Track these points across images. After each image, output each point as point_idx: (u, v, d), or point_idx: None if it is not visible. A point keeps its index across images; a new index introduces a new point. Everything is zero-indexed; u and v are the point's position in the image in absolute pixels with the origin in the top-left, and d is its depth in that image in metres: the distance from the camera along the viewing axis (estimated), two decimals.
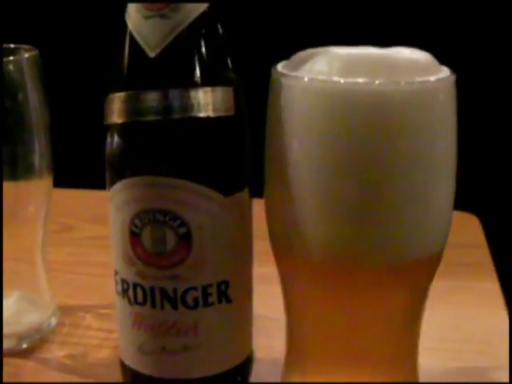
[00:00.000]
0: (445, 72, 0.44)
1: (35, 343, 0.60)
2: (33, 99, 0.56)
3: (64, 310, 0.64)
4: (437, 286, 0.48)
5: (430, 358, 0.55)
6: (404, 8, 0.91)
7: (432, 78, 0.42)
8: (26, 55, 0.55)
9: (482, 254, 0.75)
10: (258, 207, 0.48)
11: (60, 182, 0.61)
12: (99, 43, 0.71)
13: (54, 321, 0.62)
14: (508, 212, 0.97)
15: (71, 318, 0.64)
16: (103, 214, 0.51)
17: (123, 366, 0.52)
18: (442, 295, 0.64)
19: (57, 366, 0.58)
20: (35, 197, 0.60)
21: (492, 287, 0.68)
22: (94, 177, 0.57)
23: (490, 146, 0.98)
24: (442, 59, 0.44)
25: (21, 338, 0.59)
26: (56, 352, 0.59)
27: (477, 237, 0.80)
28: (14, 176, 0.57)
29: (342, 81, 0.41)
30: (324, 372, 0.49)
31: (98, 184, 0.53)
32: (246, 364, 0.52)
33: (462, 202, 0.79)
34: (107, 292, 0.54)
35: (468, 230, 0.81)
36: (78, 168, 0.88)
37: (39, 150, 0.57)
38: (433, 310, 0.50)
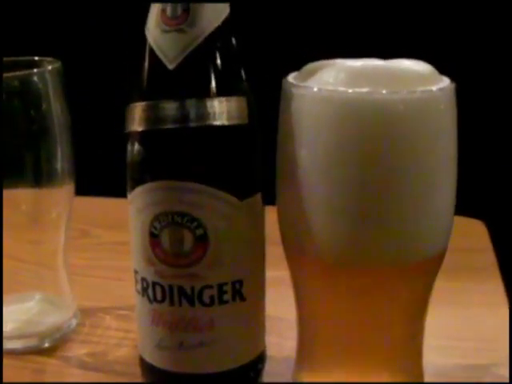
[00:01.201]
0: (445, 81, 0.46)
1: (57, 342, 0.62)
2: (56, 109, 0.58)
3: (84, 312, 0.66)
4: (443, 288, 0.50)
5: (436, 355, 0.58)
6: (405, 22, 0.94)
7: (433, 88, 0.44)
8: (50, 67, 0.58)
9: (488, 259, 0.77)
10: (272, 214, 0.50)
11: (78, 189, 0.63)
12: (120, 55, 0.73)
13: (74, 321, 0.64)
14: None
15: (91, 319, 0.66)
16: (120, 220, 0.54)
17: (142, 361, 0.54)
18: (448, 296, 0.66)
19: (78, 363, 0.60)
20: (58, 203, 0.62)
21: (496, 289, 0.70)
22: (111, 184, 0.59)
23: (498, 153, 0.99)
24: (443, 69, 0.46)
25: (43, 337, 0.62)
26: (77, 350, 0.61)
27: (483, 242, 0.81)
28: (38, 183, 0.59)
29: (347, 90, 0.43)
30: (333, 370, 0.51)
31: (116, 191, 0.56)
32: (259, 360, 0.54)
33: (469, 208, 0.81)
34: (125, 294, 0.56)
35: (475, 235, 0.83)
36: (97, 175, 0.90)
37: (62, 158, 0.59)
38: (439, 310, 0.51)
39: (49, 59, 0.59)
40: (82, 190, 0.63)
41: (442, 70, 0.46)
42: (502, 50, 0.94)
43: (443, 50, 0.88)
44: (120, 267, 0.58)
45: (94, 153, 0.89)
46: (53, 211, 0.62)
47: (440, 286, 0.50)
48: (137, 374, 0.55)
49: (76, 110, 0.60)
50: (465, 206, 0.78)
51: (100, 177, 0.90)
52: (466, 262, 0.75)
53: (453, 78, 0.46)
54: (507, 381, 0.56)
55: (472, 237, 0.82)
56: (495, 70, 0.95)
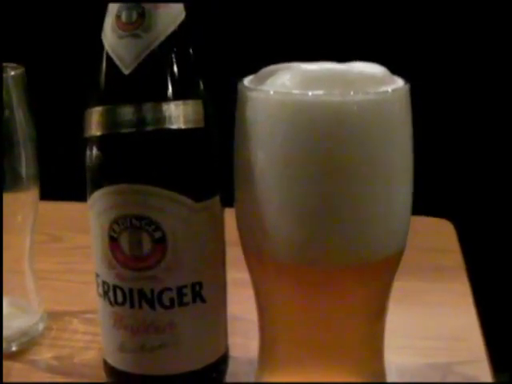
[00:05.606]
0: (399, 83, 0.46)
1: (24, 346, 0.62)
2: (19, 114, 0.58)
3: (52, 316, 0.66)
4: (408, 288, 0.51)
5: (399, 355, 0.58)
6: (359, 24, 0.95)
7: (386, 89, 0.45)
8: (12, 73, 0.58)
9: (455, 258, 0.77)
10: (234, 215, 0.50)
11: (47, 194, 0.63)
12: (79, 61, 0.74)
13: (41, 325, 0.64)
14: (481, 218, 0.99)
15: (58, 323, 0.66)
16: (88, 224, 0.54)
17: (106, 364, 0.54)
18: (413, 296, 0.67)
19: (45, 366, 0.60)
20: (23, 207, 0.62)
21: (461, 289, 0.70)
22: (79, 189, 0.59)
23: (466, 155, 1.00)
24: (396, 70, 0.47)
25: (9, 341, 0.62)
26: (44, 354, 0.62)
27: (451, 242, 0.82)
28: (2, 188, 0.59)
29: (302, 93, 0.44)
30: (294, 370, 0.52)
31: (83, 195, 0.56)
32: (222, 361, 0.55)
33: (437, 208, 0.82)
34: (93, 298, 0.56)
35: (442, 235, 0.84)
36: (64, 180, 0.90)
37: (26, 163, 0.60)
38: (404, 310, 0.52)
39: (12, 65, 0.59)
40: (48, 194, 0.63)
41: (396, 71, 0.47)
42: (455, 50, 0.96)
43: (397, 52, 0.89)
44: (87, 271, 0.58)
45: (61, 157, 0.89)
46: (18, 215, 0.62)
47: (406, 285, 0.50)
48: (103, 376, 0.56)
49: (39, 115, 0.60)
50: (433, 206, 0.79)
51: (65, 182, 0.90)
52: (434, 262, 0.76)
53: (407, 79, 0.46)
54: (470, 379, 0.57)
55: (440, 237, 0.83)
56: (449, 69, 0.96)
